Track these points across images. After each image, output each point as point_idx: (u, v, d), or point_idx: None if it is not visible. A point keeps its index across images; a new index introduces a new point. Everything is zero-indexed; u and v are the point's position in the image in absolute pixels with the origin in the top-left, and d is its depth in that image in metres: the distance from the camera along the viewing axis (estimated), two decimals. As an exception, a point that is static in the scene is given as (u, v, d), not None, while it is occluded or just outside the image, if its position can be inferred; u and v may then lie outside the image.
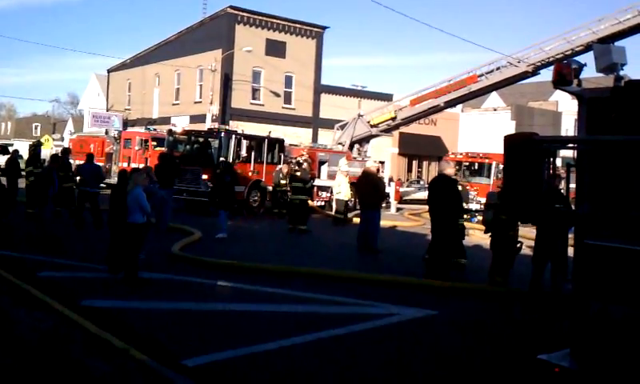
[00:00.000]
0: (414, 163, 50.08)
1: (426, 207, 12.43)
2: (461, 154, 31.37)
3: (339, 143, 29.26)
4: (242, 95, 38.52)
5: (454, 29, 75.94)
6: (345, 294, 9.34)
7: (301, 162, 20.86)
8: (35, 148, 18.74)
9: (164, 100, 43.88)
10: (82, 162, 17.70)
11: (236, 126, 28.43)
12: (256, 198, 22.56)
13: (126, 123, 45.50)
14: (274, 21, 39.86)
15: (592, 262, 5.26)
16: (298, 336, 7.07)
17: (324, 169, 25.51)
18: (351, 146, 28.99)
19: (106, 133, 33.05)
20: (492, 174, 28.10)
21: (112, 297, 8.67)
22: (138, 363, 5.84)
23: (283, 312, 8.36)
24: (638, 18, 22.69)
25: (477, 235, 17.77)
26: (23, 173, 17.77)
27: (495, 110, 52.45)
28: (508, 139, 5.54)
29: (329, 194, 24.15)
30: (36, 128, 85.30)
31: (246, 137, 22.54)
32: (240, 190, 21.70)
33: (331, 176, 23.70)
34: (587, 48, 23.12)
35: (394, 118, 29.27)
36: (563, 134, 46.98)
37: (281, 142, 24.14)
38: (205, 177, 20.94)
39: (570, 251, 5.90)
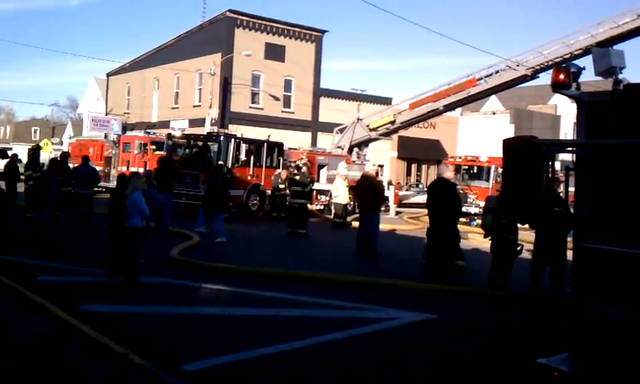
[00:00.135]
0: (413, 167, 50.10)
1: (426, 211, 12.42)
2: (460, 157, 31.39)
3: (338, 147, 29.27)
4: (242, 99, 38.55)
5: (453, 32, 76.00)
6: (344, 298, 9.32)
7: (300, 165, 20.86)
8: (34, 152, 18.73)
9: (163, 104, 43.90)
10: (77, 165, 17.71)
11: (235, 129, 28.49)
12: (255, 201, 22.55)
13: (125, 127, 45.48)
14: (274, 25, 39.90)
15: (591, 266, 5.25)
16: (298, 340, 7.06)
17: (323, 172, 25.52)
18: (350, 150, 29.00)
19: (105, 137, 33.15)
20: (491, 177, 28.11)
21: (111, 301, 8.66)
22: (137, 368, 5.83)
23: (282, 316, 8.35)
24: (636, 22, 22.73)
25: (476, 239, 17.77)
26: (22, 177, 17.77)
27: (494, 113, 52.49)
28: (507, 143, 5.54)
29: (328, 198, 24.16)
30: (35, 132, 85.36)
31: (245, 141, 22.55)
32: (239, 193, 21.73)
33: (330, 180, 23.71)
34: (586, 51, 23.15)
35: (393, 122, 29.30)
36: (562, 137, 47.12)
37: (280, 145, 24.14)
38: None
39: (569, 255, 5.90)
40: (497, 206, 10.07)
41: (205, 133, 26.76)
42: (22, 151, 32.89)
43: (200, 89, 40.07)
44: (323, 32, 42.39)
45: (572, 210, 6.14)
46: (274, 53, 39.59)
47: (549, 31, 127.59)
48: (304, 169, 19.81)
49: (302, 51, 40.97)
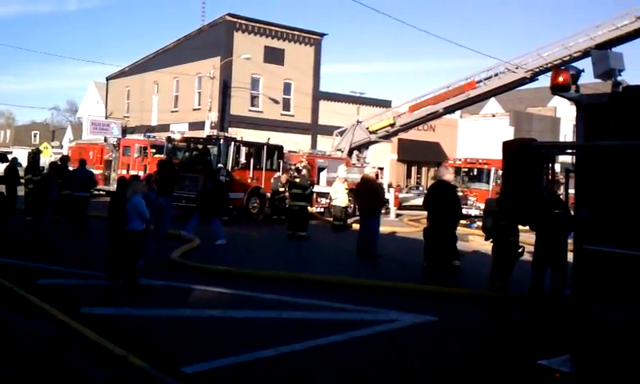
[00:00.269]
0: (413, 169, 50.13)
1: (426, 213, 12.41)
2: (460, 159, 31.41)
3: (338, 149, 29.29)
4: (241, 102, 38.57)
5: (453, 35, 76.18)
6: (344, 300, 9.32)
7: (300, 168, 20.88)
8: (34, 156, 18.75)
9: (163, 107, 43.92)
10: (75, 168, 17.73)
11: (235, 132, 28.48)
12: (255, 204, 22.56)
13: (125, 130, 45.51)
14: (273, 28, 39.95)
15: (591, 268, 5.26)
16: (298, 342, 7.06)
17: (323, 175, 25.54)
18: (350, 153, 29.02)
19: (105, 140, 33.08)
20: (491, 179, 28.14)
21: (111, 304, 8.66)
22: (137, 370, 5.83)
23: (283, 318, 8.35)
24: (635, 24, 22.79)
25: (477, 241, 17.78)
26: (22, 180, 17.78)
27: (494, 115, 52.57)
28: (506, 145, 5.55)
29: (328, 201, 24.18)
30: (35, 136, 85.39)
31: (245, 144, 22.56)
32: (239, 196, 21.74)
33: (330, 182, 23.73)
34: (585, 54, 23.21)
35: (392, 125, 29.32)
36: (562, 139, 47.17)
37: (280, 148, 24.16)
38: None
39: (570, 256, 5.91)
40: (497, 208, 10.08)
41: (204, 136, 26.78)
42: (22, 155, 32.81)
43: (199, 92, 40.10)
44: (322, 35, 42.44)
45: (572, 212, 6.14)
46: (274, 56, 39.63)
47: (548, 34, 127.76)
48: (304, 171, 19.83)
49: (302, 54, 41.01)
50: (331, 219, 21.57)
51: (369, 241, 14.33)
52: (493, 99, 50.15)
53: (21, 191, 17.78)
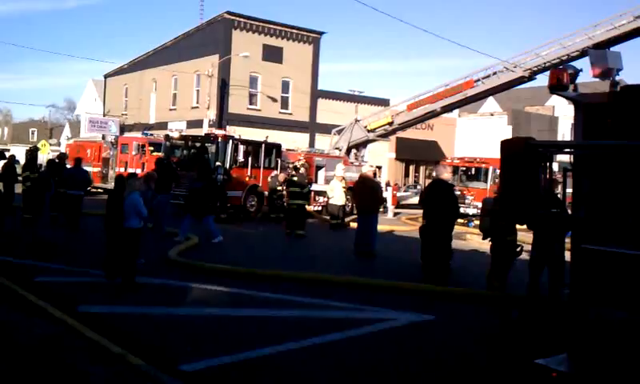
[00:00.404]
0: (411, 168, 50.17)
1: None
2: (458, 158, 31.42)
3: (336, 148, 29.29)
4: (239, 100, 38.55)
5: (451, 34, 76.21)
6: (342, 299, 9.33)
7: (298, 166, 20.87)
8: (32, 153, 18.73)
9: (161, 105, 43.87)
10: (69, 166, 17.73)
11: (233, 131, 28.47)
12: (253, 203, 22.56)
13: (123, 128, 45.46)
14: (271, 26, 39.92)
15: (589, 267, 5.27)
16: (295, 341, 7.06)
17: (321, 174, 25.53)
18: (348, 151, 29.03)
19: (103, 138, 33.05)
20: (489, 178, 28.15)
21: (109, 302, 8.66)
22: (135, 369, 5.83)
23: (280, 317, 8.35)
24: (633, 24, 22.81)
25: (474, 240, 17.80)
26: (20, 178, 17.76)
27: (492, 114, 52.60)
28: (504, 144, 5.56)
29: (325, 199, 24.19)
30: (33, 133, 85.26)
31: (243, 142, 22.54)
32: (237, 195, 21.73)
33: (329, 181, 23.73)
34: (583, 53, 23.21)
35: (390, 123, 29.33)
36: (560, 138, 47.20)
37: (278, 146, 24.15)
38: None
39: (567, 256, 5.92)
40: (494, 207, 10.08)
41: (203, 134, 26.76)
42: (19, 152, 32.86)
43: (198, 90, 40.07)
44: (321, 34, 42.43)
45: (570, 211, 6.16)
46: (272, 54, 39.61)
47: (546, 33, 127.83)
48: (302, 170, 19.82)
49: (300, 53, 41.00)
50: (328, 218, 21.57)
51: (366, 239, 14.33)
52: (491, 98, 50.14)
53: (18, 189, 17.76)
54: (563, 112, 50.78)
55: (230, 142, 21.95)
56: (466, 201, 25.12)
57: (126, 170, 26.29)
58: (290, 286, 10.20)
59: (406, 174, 49.72)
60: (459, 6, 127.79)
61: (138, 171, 24.73)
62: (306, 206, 19.04)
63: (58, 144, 60.46)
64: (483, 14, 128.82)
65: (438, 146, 48.59)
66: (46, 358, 5.98)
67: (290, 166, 22.36)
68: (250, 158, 22.36)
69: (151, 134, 32.01)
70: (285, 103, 40.66)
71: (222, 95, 37.99)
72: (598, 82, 5.80)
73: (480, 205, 15.71)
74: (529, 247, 10.07)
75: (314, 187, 23.60)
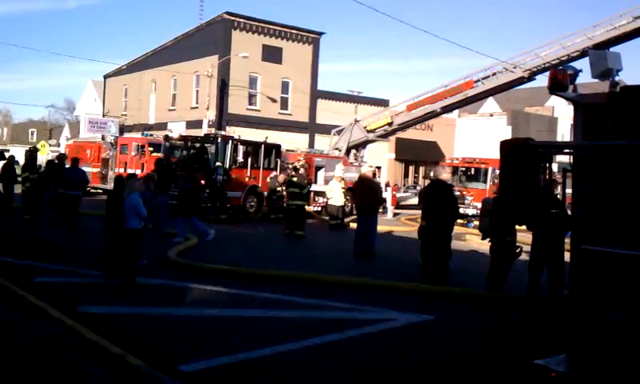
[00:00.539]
0: (411, 168, 50.17)
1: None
2: (457, 159, 31.42)
3: (336, 148, 29.29)
4: (239, 101, 38.55)
5: (451, 35, 76.25)
6: (342, 300, 9.33)
7: (297, 167, 20.88)
8: (31, 154, 18.73)
9: (160, 106, 43.86)
10: (67, 166, 17.73)
11: (232, 131, 28.47)
12: (252, 203, 22.55)
13: (123, 129, 45.45)
14: (271, 27, 39.92)
15: (588, 267, 5.27)
16: (295, 342, 7.07)
17: (321, 174, 25.53)
18: (348, 152, 29.02)
19: (103, 138, 33.02)
20: (488, 179, 28.15)
21: (109, 302, 8.65)
22: (135, 369, 5.82)
23: (280, 317, 8.35)
24: (632, 24, 22.82)
25: (474, 240, 17.80)
26: (19, 179, 17.76)
27: (491, 115, 52.61)
28: (504, 144, 5.56)
29: (325, 200, 24.19)
30: (32, 134, 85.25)
31: (243, 142, 22.53)
32: (237, 195, 21.73)
33: (328, 181, 23.74)
34: (583, 54, 23.23)
35: (390, 124, 29.33)
36: (559, 139, 47.21)
37: (277, 147, 24.14)
38: (202, 182, 20.90)
39: (567, 256, 5.92)
40: (494, 207, 10.09)
41: (202, 134, 26.75)
42: (19, 153, 32.85)
43: (197, 91, 40.06)
44: (320, 34, 42.43)
45: (569, 212, 6.16)
46: (271, 55, 39.60)
47: (546, 33, 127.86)
48: (301, 170, 19.82)
49: (299, 53, 41.00)
50: (328, 218, 21.57)
51: (366, 240, 14.33)
52: (490, 98, 50.15)
53: (18, 189, 17.76)
54: (563, 112, 50.80)
55: (230, 142, 21.94)
56: (466, 201, 25.13)
57: (125, 170, 26.25)
58: (290, 287, 10.20)
59: (406, 175, 49.73)
60: (459, 6, 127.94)
61: (138, 172, 24.69)
62: (306, 207, 19.04)
63: (58, 144, 60.42)
64: (483, 14, 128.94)
65: (437, 146, 48.59)
66: (46, 359, 5.98)
67: (290, 166, 22.36)
68: (249, 159, 22.36)
69: (151, 135, 31.97)
70: (284, 104, 40.66)
71: (222, 96, 37.99)
72: (598, 83, 5.80)
73: (479, 205, 15.73)
74: (528, 248, 10.07)
75: (314, 188, 23.60)
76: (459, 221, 19.59)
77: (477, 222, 17.68)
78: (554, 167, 8.98)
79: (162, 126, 39.58)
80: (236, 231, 18.25)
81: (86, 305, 8.21)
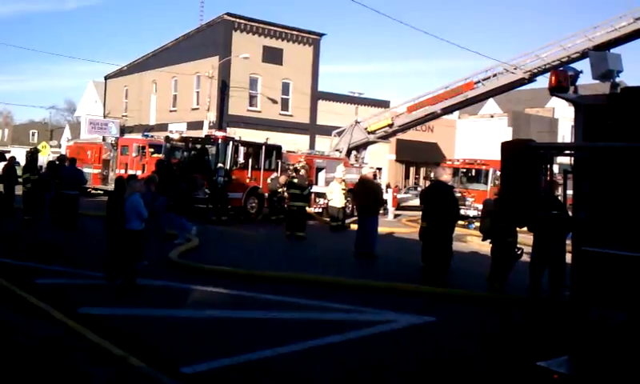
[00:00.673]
0: (412, 170, 50.18)
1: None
2: (458, 160, 31.41)
3: (336, 150, 29.29)
4: (239, 102, 38.56)
5: (451, 36, 76.31)
6: (342, 301, 9.32)
7: (298, 168, 20.89)
8: (32, 155, 18.73)
9: (161, 107, 43.88)
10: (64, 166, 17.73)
11: (233, 132, 28.45)
12: (253, 204, 22.55)
13: (123, 130, 45.47)
14: (271, 28, 39.94)
15: (590, 269, 5.27)
16: (296, 343, 7.07)
17: (321, 175, 25.52)
18: (348, 153, 29.02)
19: (103, 139, 33.03)
20: (489, 180, 28.13)
21: (110, 304, 8.65)
22: (136, 371, 5.83)
23: (281, 319, 8.35)
24: (633, 26, 22.83)
25: (475, 242, 17.79)
26: (20, 179, 17.77)
27: (492, 116, 52.62)
28: (505, 146, 5.55)
29: (326, 201, 24.18)
30: (33, 135, 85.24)
31: (244, 143, 22.53)
32: (238, 196, 21.73)
33: (329, 183, 23.74)
34: (583, 55, 23.23)
35: (391, 125, 29.33)
36: (560, 140, 47.19)
37: (278, 148, 24.14)
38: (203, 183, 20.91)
39: (568, 258, 5.91)
40: (495, 209, 10.09)
41: (203, 136, 26.76)
42: (20, 154, 32.81)
43: (198, 92, 40.08)
44: (321, 35, 42.45)
45: (570, 213, 6.15)
46: (272, 56, 39.62)
47: (546, 35, 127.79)
48: (302, 171, 19.83)
49: (300, 54, 41.02)
50: (329, 219, 21.57)
51: (367, 241, 14.33)
52: (491, 100, 50.21)
53: (19, 190, 17.76)
54: (563, 114, 50.82)
55: (231, 143, 21.95)
56: (467, 203, 25.13)
57: (126, 171, 26.26)
58: (291, 288, 10.20)
59: (407, 176, 49.74)
60: (459, 7, 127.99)
61: (139, 173, 24.71)
62: (307, 208, 19.04)
63: (59, 145, 60.45)
64: (483, 15, 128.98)
65: (438, 147, 48.60)
66: (47, 360, 5.98)
67: (291, 167, 22.37)
68: (250, 160, 22.36)
69: (151, 136, 31.98)
70: (285, 105, 40.67)
71: (222, 97, 38.00)
72: (598, 84, 5.80)
73: (480, 206, 15.72)
74: (529, 249, 10.07)
75: (315, 189, 23.61)
76: (460, 222, 19.58)
77: (478, 224, 17.68)
78: (555, 168, 8.97)
79: (162, 127, 39.61)
80: (237, 232, 18.25)
81: (87, 306, 8.22)
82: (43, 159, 33.87)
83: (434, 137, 48.05)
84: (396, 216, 27.87)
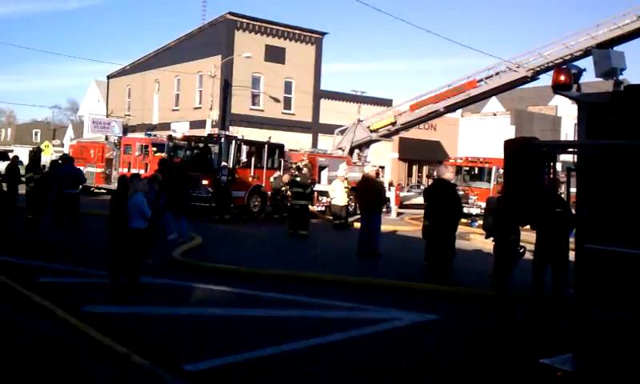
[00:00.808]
0: (414, 168, 50.14)
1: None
2: (461, 158, 31.38)
3: (339, 148, 29.30)
4: (242, 101, 38.58)
5: (454, 34, 76.27)
6: (345, 299, 9.33)
7: (301, 167, 20.90)
8: (35, 154, 18.78)
9: (164, 106, 43.93)
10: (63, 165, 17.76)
11: (236, 131, 28.50)
12: (256, 203, 22.57)
13: (126, 129, 45.55)
14: (274, 27, 39.94)
15: (593, 267, 5.26)
16: (298, 341, 7.07)
17: (324, 174, 25.54)
18: (351, 151, 29.02)
19: (106, 139, 33.08)
20: (492, 178, 28.12)
21: (113, 302, 8.68)
22: (139, 369, 5.84)
23: (284, 317, 8.36)
24: (636, 23, 22.76)
25: (478, 240, 17.78)
26: (23, 179, 17.81)
27: (495, 114, 52.56)
28: (508, 144, 5.55)
29: (329, 199, 24.18)
30: (36, 134, 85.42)
31: (246, 142, 22.56)
32: (240, 195, 21.75)
33: (332, 181, 23.76)
34: (586, 53, 23.19)
35: (393, 123, 29.32)
36: (563, 138, 47.15)
37: (281, 147, 24.16)
38: (205, 182, 20.96)
39: (571, 255, 5.91)
40: (498, 207, 10.07)
41: (206, 135, 26.79)
42: (23, 153, 32.90)
43: (200, 91, 40.12)
44: (323, 34, 42.44)
45: (573, 211, 6.15)
46: (275, 55, 39.63)
47: (549, 33, 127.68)
48: (305, 170, 19.83)
49: (302, 53, 41.01)
50: (331, 218, 21.59)
51: (370, 239, 14.32)
52: (494, 98, 50.13)
53: (22, 189, 17.81)
54: (566, 112, 50.72)
55: (233, 142, 21.97)
56: (470, 201, 25.12)
57: (129, 170, 26.30)
58: (293, 286, 10.20)
59: (409, 174, 49.70)
60: (462, 5, 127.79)
61: (141, 172, 24.74)
62: (309, 207, 19.06)
63: (62, 145, 60.62)
64: (486, 13, 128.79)
65: (441, 145, 48.56)
66: (50, 358, 6.00)
67: (293, 166, 22.39)
68: (253, 159, 22.38)
69: (154, 135, 32.03)
70: (287, 103, 40.67)
71: (225, 96, 38.02)
72: (602, 82, 5.79)
73: (484, 204, 15.71)
74: (532, 247, 10.06)
75: (317, 187, 23.61)
76: (463, 220, 19.57)
77: (481, 222, 17.66)
78: (558, 166, 8.96)
79: (165, 126, 39.67)
80: (240, 231, 18.26)
81: (90, 304, 8.23)
82: (46, 159, 33.96)
83: (437, 135, 48.00)
84: (399, 214, 27.87)
